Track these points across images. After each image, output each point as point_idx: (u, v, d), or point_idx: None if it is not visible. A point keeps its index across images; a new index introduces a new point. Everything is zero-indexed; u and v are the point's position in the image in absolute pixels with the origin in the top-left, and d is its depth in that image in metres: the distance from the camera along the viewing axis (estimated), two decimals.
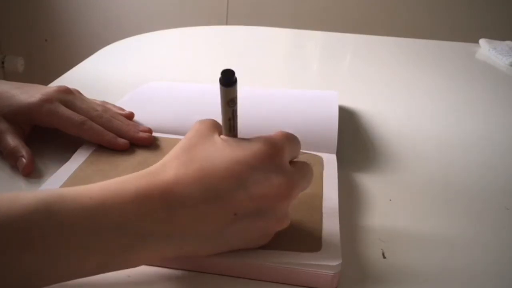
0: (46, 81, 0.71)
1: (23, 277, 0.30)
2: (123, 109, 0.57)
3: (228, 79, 0.34)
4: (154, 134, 0.54)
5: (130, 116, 0.56)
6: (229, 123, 0.37)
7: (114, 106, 0.58)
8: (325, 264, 0.35)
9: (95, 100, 0.57)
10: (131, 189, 0.32)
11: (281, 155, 0.35)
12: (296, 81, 0.84)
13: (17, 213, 0.29)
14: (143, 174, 0.34)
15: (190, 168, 0.34)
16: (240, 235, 0.35)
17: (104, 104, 0.56)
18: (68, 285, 0.32)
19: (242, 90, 0.62)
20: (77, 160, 0.48)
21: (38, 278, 0.30)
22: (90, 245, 0.31)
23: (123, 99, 0.62)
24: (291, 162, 0.37)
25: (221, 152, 0.35)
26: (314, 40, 1.11)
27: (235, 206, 0.34)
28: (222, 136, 0.37)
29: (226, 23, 1.85)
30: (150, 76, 0.76)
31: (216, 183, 0.33)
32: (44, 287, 0.31)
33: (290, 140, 0.37)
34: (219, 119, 0.38)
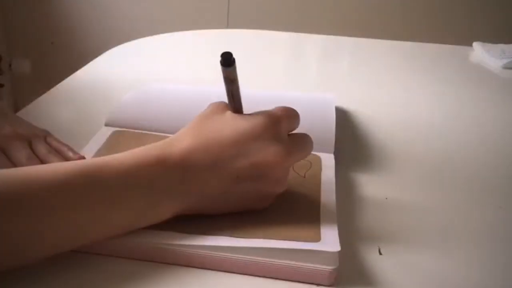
0: (53, 82, 0.73)
1: (70, 235, 0.35)
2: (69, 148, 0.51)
3: (227, 59, 0.39)
4: (157, 134, 0.55)
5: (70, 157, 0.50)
6: (232, 100, 0.41)
7: (59, 142, 0.51)
8: (323, 260, 0.37)
9: (36, 129, 0.52)
10: (153, 156, 0.38)
11: (278, 127, 0.40)
12: (296, 82, 0.85)
13: (62, 178, 0.34)
14: (163, 143, 0.40)
15: (199, 138, 0.39)
16: (243, 196, 0.40)
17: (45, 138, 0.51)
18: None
19: (242, 91, 0.64)
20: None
21: (83, 234, 0.35)
22: (123, 203, 0.36)
23: (123, 99, 0.63)
24: (290, 134, 0.42)
25: (226, 124, 0.40)
26: (314, 43, 1.12)
27: (237, 171, 0.39)
28: (229, 112, 0.42)
29: (227, 26, 1.87)
30: (153, 78, 0.77)
31: (221, 151, 0.39)
32: (86, 243, 0.36)
33: (288, 113, 0.42)
34: None
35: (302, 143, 0.43)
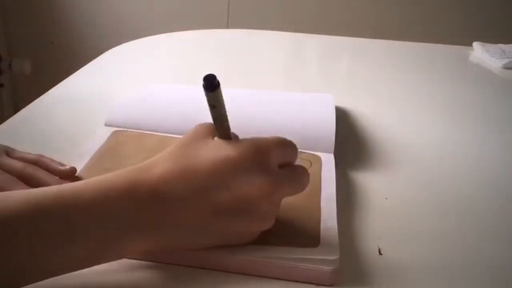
0: (53, 82, 0.74)
1: (13, 274, 0.31)
2: (63, 164, 0.47)
3: (209, 84, 0.35)
4: (157, 134, 0.55)
5: (67, 173, 0.46)
6: (218, 125, 0.38)
7: (52, 161, 0.47)
8: (324, 260, 0.37)
9: (29, 154, 0.48)
10: (122, 183, 0.34)
11: (266, 158, 0.36)
12: (296, 82, 0.85)
13: (7, 212, 0.31)
14: (133, 169, 0.36)
15: (176, 165, 0.35)
16: (222, 232, 0.36)
17: (38, 158, 0.47)
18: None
19: (242, 92, 0.64)
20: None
21: (30, 273, 0.31)
22: (78, 239, 0.32)
23: (123, 99, 0.64)
24: (285, 165, 0.38)
25: (209, 152, 0.36)
26: (314, 43, 1.12)
27: (216, 204, 0.35)
28: (215, 138, 0.38)
29: (227, 26, 1.87)
30: (153, 78, 0.78)
31: (199, 181, 0.35)
32: (36, 282, 0.32)
33: (280, 144, 0.38)
34: None
35: (294, 175, 0.38)
